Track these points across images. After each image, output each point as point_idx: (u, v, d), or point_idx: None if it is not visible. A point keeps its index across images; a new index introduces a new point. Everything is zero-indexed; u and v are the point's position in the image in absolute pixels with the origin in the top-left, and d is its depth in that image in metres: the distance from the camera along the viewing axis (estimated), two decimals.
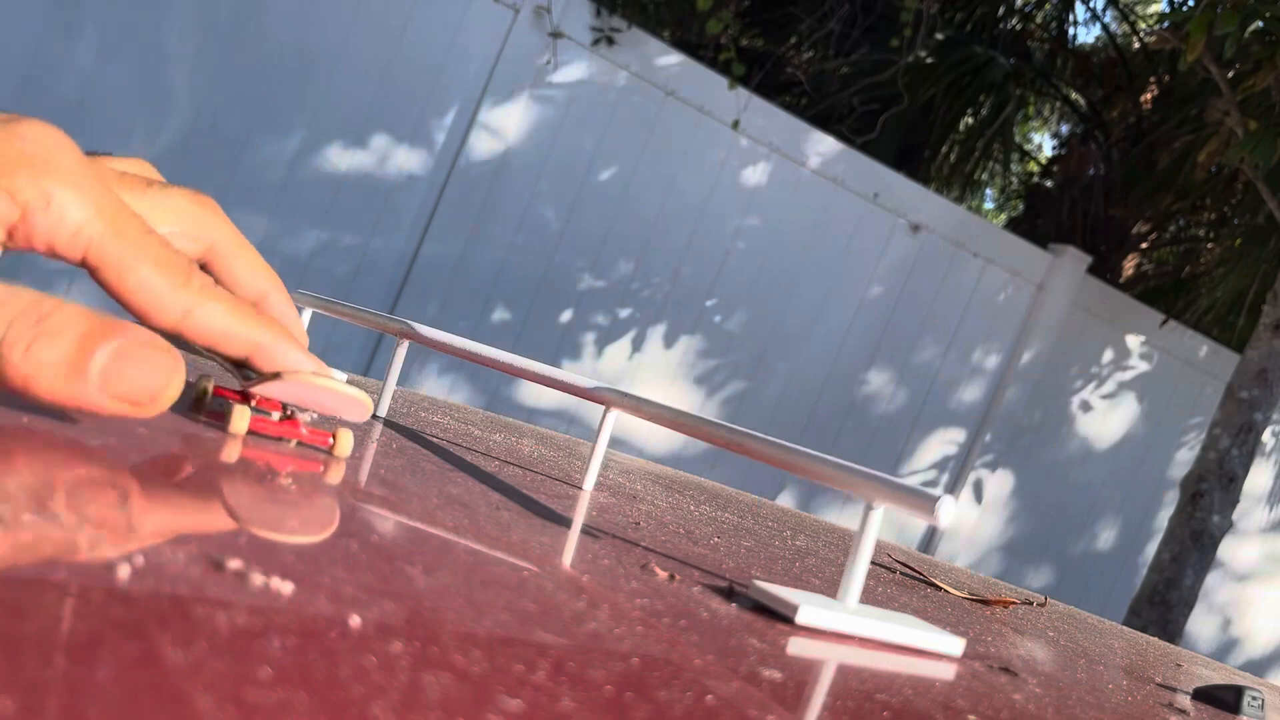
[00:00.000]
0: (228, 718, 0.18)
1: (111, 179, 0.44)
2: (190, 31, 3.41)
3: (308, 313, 0.86)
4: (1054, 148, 8.64)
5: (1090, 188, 6.37)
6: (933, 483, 4.86)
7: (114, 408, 0.35)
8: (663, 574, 0.43)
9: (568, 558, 0.43)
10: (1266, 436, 5.42)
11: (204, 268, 0.46)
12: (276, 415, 0.50)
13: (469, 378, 4.03)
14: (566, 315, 4.11)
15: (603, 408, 0.61)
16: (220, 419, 0.48)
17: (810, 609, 0.40)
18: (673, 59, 4.09)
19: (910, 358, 4.69)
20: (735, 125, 4.16)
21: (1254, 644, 5.81)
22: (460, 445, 0.68)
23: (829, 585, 0.56)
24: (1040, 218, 6.91)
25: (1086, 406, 5.10)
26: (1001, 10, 6.43)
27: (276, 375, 0.44)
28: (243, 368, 0.44)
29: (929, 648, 0.44)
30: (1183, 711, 0.54)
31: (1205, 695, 0.59)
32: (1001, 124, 6.39)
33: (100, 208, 0.38)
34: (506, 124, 3.85)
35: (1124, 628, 0.94)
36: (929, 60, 6.17)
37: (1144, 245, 6.80)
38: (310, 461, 0.47)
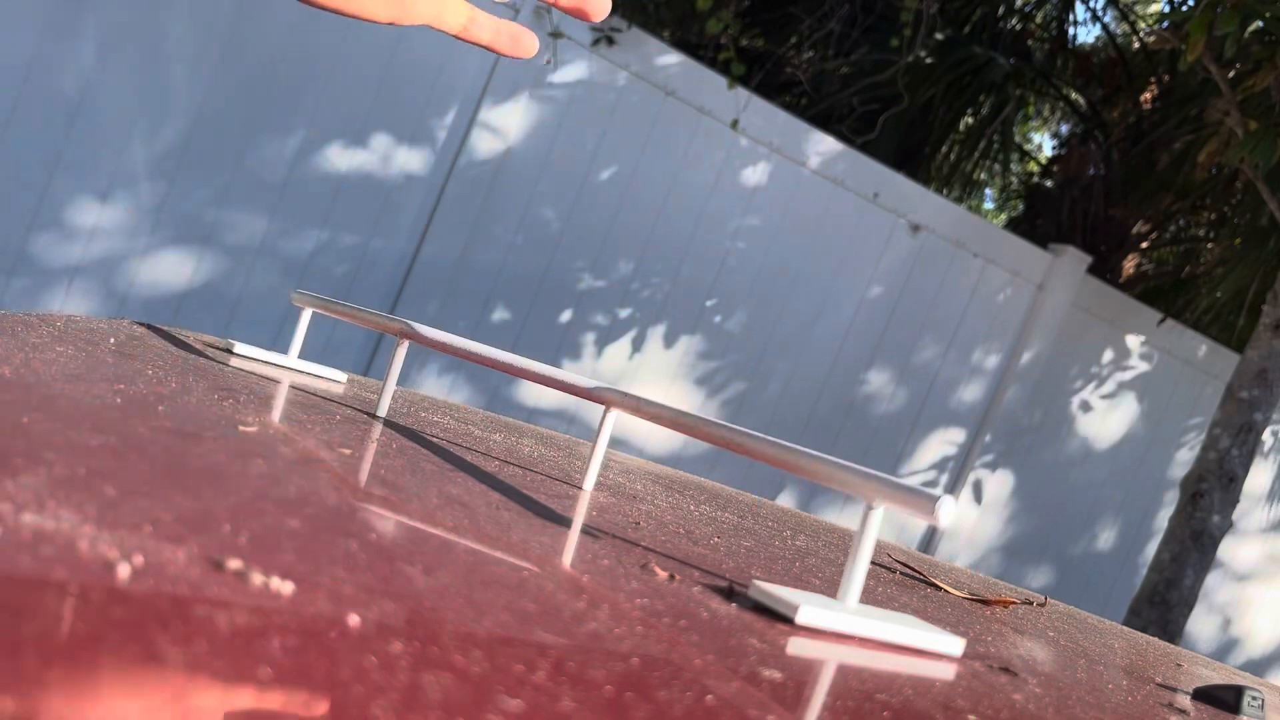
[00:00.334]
0: (228, 717, 0.18)
1: None
2: (190, 31, 3.41)
3: (308, 313, 0.86)
4: (1054, 148, 8.64)
5: (1090, 188, 6.37)
6: (933, 483, 4.86)
7: None
8: (663, 574, 0.43)
9: (568, 558, 0.43)
10: (1266, 436, 5.42)
11: None
12: None
13: (469, 378, 4.03)
14: (566, 315, 4.11)
15: (603, 408, 0.61)
16: None
17: (810, 609, 0.40)
18: (672, 59, 4.09)
19: (910, 358, 4.69)
20: (735, 125, 4.16)
21: (1254, 644, 5.81)
22: (460, 445, 0.68)
23: (829, 585, 0.56)
24: (1040, 218, 6.91)
25: (1086, 406, 5.10)
26: (1001, 10, 6.43)
27: None
28: None
29: (929, 648, 0.44)
30: (1183, 711, 0.54)
31: (1205, 695, 0.59)
32: (1001, 124, 6.39)
33: None
34: (506, 124, 3.85)
35: (1124, 628, 0.94)
36: (929, 60, 6.17)
37: (1144, 245, 6.80)
38: (315, 458, 0.47)
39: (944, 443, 4.84)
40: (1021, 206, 7.94)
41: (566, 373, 0.64)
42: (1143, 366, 5.18)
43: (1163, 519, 5.12)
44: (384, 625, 0.25)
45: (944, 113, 6.32)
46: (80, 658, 0.18)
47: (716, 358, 4.38)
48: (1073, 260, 4.84)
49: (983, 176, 7.29)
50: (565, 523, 0.50)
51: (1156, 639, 0.95)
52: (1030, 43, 6.67)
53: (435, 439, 0.67)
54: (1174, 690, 0.61)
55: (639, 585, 0.40)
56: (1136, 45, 6.79)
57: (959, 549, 5.00)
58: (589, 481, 0.64)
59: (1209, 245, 6.53)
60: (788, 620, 0.41)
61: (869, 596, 0.54)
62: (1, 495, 0.27)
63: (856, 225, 4.47)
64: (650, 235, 4.16)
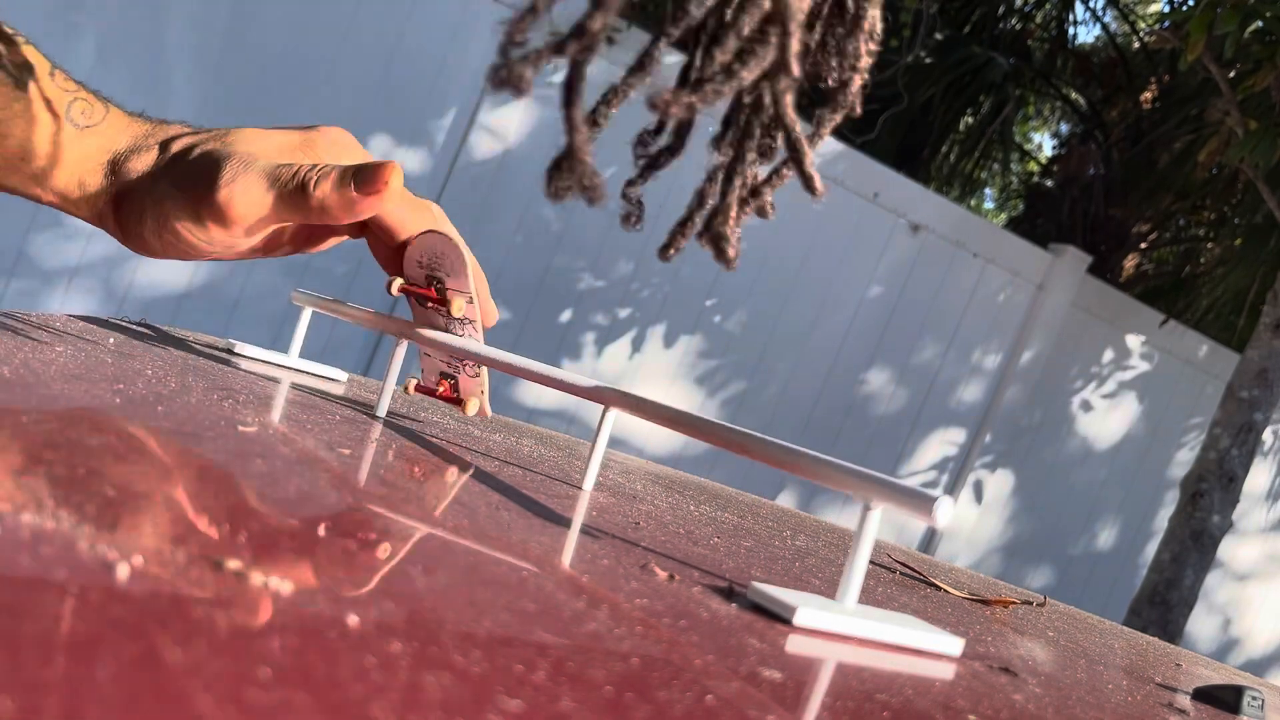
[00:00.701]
0: (228, 718, 0.18)
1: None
2: (190, 31, 3.41)
3: (308, 312, 0.86)
4: (1054, 148, 8.64)
5: (1090, 188, 6.37)
6: (933, 483, 4.86)
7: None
8: (663, 574, 0.43)
9: (568, 558, 0.43)
10: (1266, 436, 5.42)
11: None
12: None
13: None
14: (566, 315, 4.11)
15: (602, 407, 0.61)
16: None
17: (809, 610, 0.40)
18: (672, 59, 4.09)
19: (910, 358, 4.69)
20: None
21: (1254, 644, 5.81)
22: (460, 445, 0.68)
23: (828, 585, 0.56)
24: (1040, 218, 6.91)
25: (1086, 406, 5.10)
26: (1001, 10, 6.43)
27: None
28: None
29: (928, 648, 0.44)
30: (1183, 711, 0.54)
31: (1205, 695, 0.59)
32: (1001, 124, 6.39)
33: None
34: (506, 124, 3.85)
35: (1124, 628, 0.94)
36: (929, 60, 6.17)
37: (1144, 245, 6.80)
38: (315, 458, 0.47)
39: (944, 443, 4.84)
40: (1021, 206, 7.93)
41: (566, 372, 0.64)
42: (1143, 366, 5.18)
43: (1163, 519, 5.12)
44: (384, 625, 0.25)
45: (944, 113, 6.32)
46: (80, 658, 0.18)
47: (716, 358, 4.38)
48: (1073, 260, 4.84)
49: (983, 176, 7.29)
50: (565, 523, 0.51)
51: (1156, 639, 0.95)
52: (1030, 43, 6.67)
53: (435, 439, 0.67)
54: (1174, 690, 0.61)
55: (639, 585, 0.40)
56: (1136, 45, 6.79)
57: (959, 549, 5.00)
58: (589, 481, 0.64)
59: (1209, 245, 6.53)
60: (787, 621, 0.41)
61: (868, 597, 0.54)
62: (1, 495, 0.27)
63: (856, 225, 4.47)
64: (650, 235, 4.16)
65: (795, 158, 0.43)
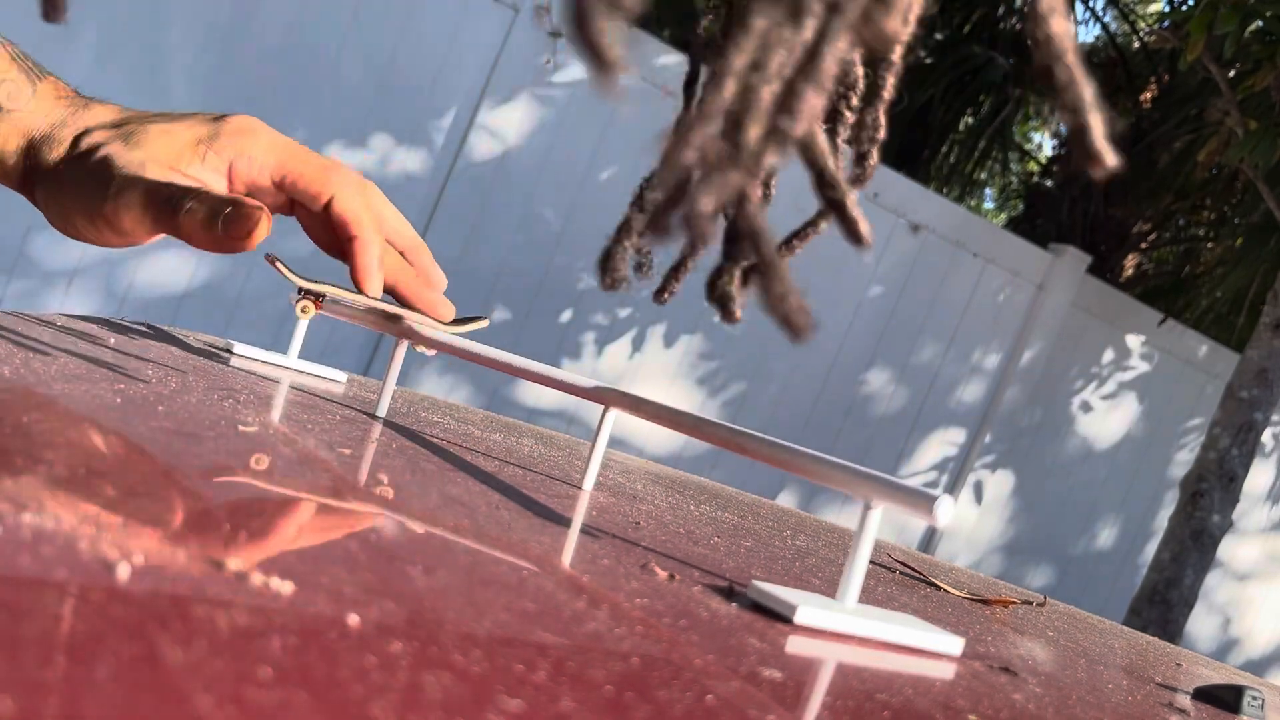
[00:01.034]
0: (228, 718, 0.18)
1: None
2: (190, 31, 3.41)
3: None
4: (1054, 148, 8.64)
5: (1090, 187, 6.37)
6: (933, 483, 4.86)
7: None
8: (663, 574, 0.43)
9: (568, 558, 0.43)
10: (1266, 436, 5.42)
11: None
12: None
13: (469, 378, 4.03)
14: (566, 315, 4.11)
15: (602, 407, 0.61)
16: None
17: (809, 609, 0.40)
18: (673, 59, 4.09)
19: (910, 358, 4.69)
20: None
21: (1254, 644, 5.81)
22: (460, 445, 0.68)
23: (829, 585, 0.56)
24: (1040, 217, 6.91)
25: (1086, 406, 5.10)
26: (1001, 10, 6.43)
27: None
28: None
29: (928, 647, 0.44)
30: (1183, 711, 0.54)
31: (1205, 695, 0.59)
32: (1001, 124, 6.39)
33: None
34: (506, 124, 3.85)
35: (1124, 628, 0.94)
36: (929, 60, 6.17)
37: (1144, 245, 6.80)
38: (315, 458, 0.47)
39: (944, 443, 4.84)
40: (1021, 206, 7.93)
41: (566, 373, 0.64)
42: (1143, 366, 5.18)
43: (1163, 519, 5.12)
44: (384, 625, 0.25)
45: (944, 113, 6.32)
46: (80, 658, 0.18)
47: (716, 358, 4.38)
48: (1073, 260, 4.84)
49: (983, 176, 7.29)
50: (565, 523, 0.51)
51: (1156, 639, 0.95)
52: (1030, 43, 6.66)
53: (435, 439, 0.67)
54: (1174, 690, 0.61)
55: (639, 585, 0.40)
56: (1136, 45, 6.79)
57: (959, 549, 5.00)
58: (589, 481, 0.64)
59: (1209, 245, 6.53)
60: (787, 620, 0.41)
61: (868, 596, 0.54)
62: (1, 495, 0.27)
63: None
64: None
65: (836, 211, 0.43)
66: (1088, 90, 0.35)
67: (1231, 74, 4.21)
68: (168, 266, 3.49)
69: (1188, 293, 6.18)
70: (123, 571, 0.23)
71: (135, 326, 0.86)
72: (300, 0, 3.51)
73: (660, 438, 4.23)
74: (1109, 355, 5.11)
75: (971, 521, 4.98)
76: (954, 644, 0.45)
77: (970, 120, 6.60)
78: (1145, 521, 5.36)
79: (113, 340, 0.72)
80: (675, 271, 0.48)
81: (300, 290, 0.73)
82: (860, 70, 0.44)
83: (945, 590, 0.71)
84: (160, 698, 0.18)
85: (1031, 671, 0.50)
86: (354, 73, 3.62)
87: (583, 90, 3.91)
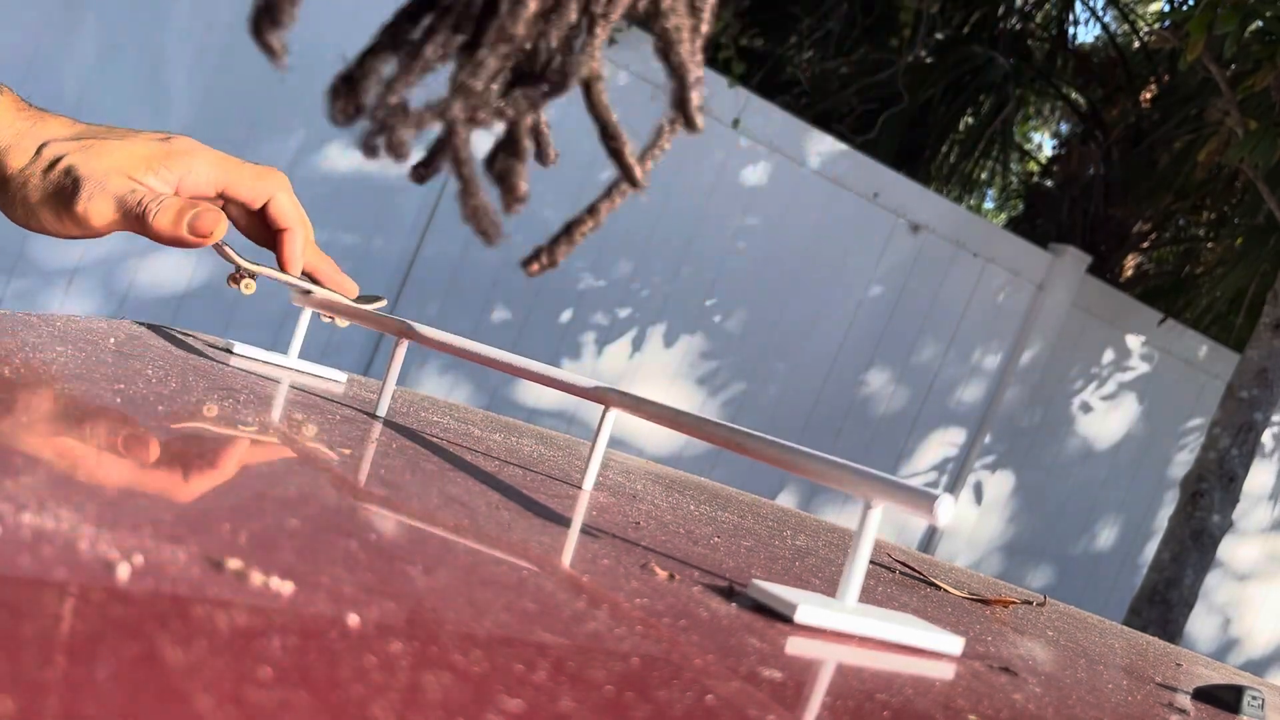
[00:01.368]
0: (228, 718, 0.18)
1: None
2: (190, 31, 3.41)
3: (307, 313, 0.86)
4: (1054, 148, 8.63)
5: (1090, 187, 6.37)
6: (933, 483, 4.86)
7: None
8: (663, 574, 0.43)
9: (568, 558, 0.43)
10: (1266, 436, 5.42)
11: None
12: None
13: (469, 378, 4.03)
14: (566, 315, 4.11)
15: (602, 407, 0.61)
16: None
17: (809, 608, 0.40)
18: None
19: (910, 358, 4.69)
20: (735, 125, 4.16)
21: (1254, 644, 5.80)
22: (460, 445, 0.68)
23: (829, 585, 0.56)
24: (1040, 217, 6.91)
25: (1086, 406, 5.10)
26: (1001, 10, 6.42)
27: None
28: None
29: (928, 647, 0.44)
30: (1183, 711, 0.54)
31: (1205, 695, 0.59)
32: (1001, 124, 6.39)
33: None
34: None
35: (1124, 628, 0.94)
36: (929, 60, 6.17)
37: (1144, 245, 6.80)
38: (315, 458, 0.47)
39: (944, 443, 4.84)
40: (1021, 206, 7.93)
41: (566, 373, 0.64)
42: (1143, 366, 5.18)
43: (1163, 519, 5.12)
44: (384, 625, 0.25)
45: (944, 113, 6.31)
46: (80, 658, 0.18)
47: (716, 358, 4.38)
48: (1073, 260, 4.84)
49: (983, 176, 7.29)
50: (565, 522, 0.51)
51: (1156, 639, 0.95)
52: (1030, 43, 6.67)
53: (435, 439, 0.67)
54: (1174, 690, 0.61)
55: (639, 585, 0.40)
56: (1136, 45, 6.79)
57: (959, 549, 5.00)
58: (589, 481, 0.64)
59: (1209, 245, 6.53)
60: (787, 620, 0.41)
61: (868, 596, 0.54)
62: (1, 495, 0.27)
63: (856, 225, 4.47)
64: (650, 235, 4.16)
65: (615, 159, 0.48)
66: (694, 69, 0.39)
67: (1231, 74, 4.21)
68: (168, 267, 3.49)
69: (1188, 293, 6.18)
70: (123, 571, 0.23)
71: (135, 326, 0.86)
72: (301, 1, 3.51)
73: (660, 438, 4.23)
74: (1109, 355, 5.11)
75: (971, 521, 4.98)
76: (954, 644, 0.45)
77: (970, 120, 6.60)
78: (1145, 521, 5.36)
79: (113, 340, 0.72)
80: (436, 152, 0.53)
81: (238, 269, 0.84)
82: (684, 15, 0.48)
83: (945, 590, 0.71)
84: (160, 698, 0.18)
85: (1031, 671, 0.50)
86: None
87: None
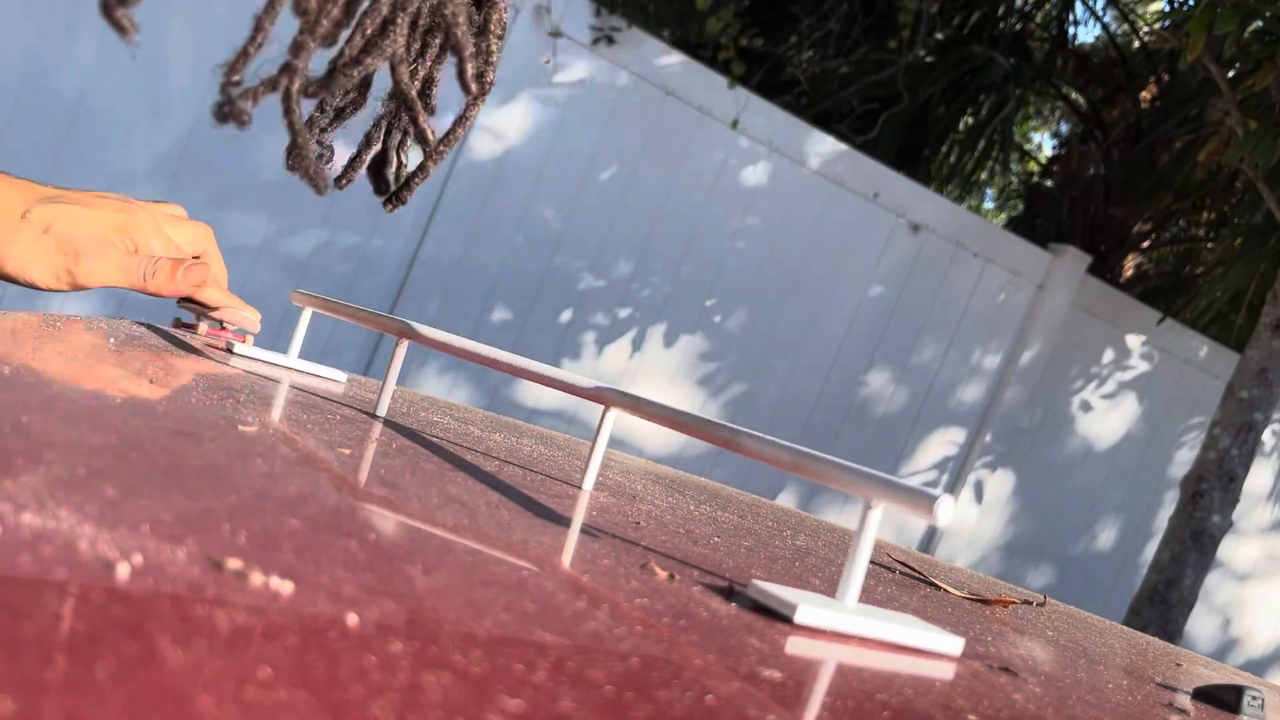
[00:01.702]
0: (228, 718, 0.18)
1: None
2: (190, 31, 3.41)
3: (308, 313, 0.86)
4: (1054, 148, 8.64)
5: (1090, 187, 6.37)
6: (933, 483, 4.86)
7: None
8: (663, 574, 0.43)
9: (568, 558, 0.43)
10: (1266, 436, 5.42)
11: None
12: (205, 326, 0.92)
13: (469, 378, 4.03)
14: (566, 315, 4.11)
15: (602, 408, 0.61)
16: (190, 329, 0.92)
17: (809, 608, 0.40)
18: (672, 58, 4.09)
19: (910, 358, 4.69)
20: (735, 125, 4.16)
21: (1254, 644, 5.81)
22: (460, 445, 0.68)
23: (829, 585, 0.56)
24: (1040, 217, 6.91)
25: (1086, 406, 5.10)
26: (1001, 10, 6.43)
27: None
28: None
29: (928, 647, 0.44)
30: (1183, 711, 0.54)
31: (1205, 695, 0.59)
32: (1001, 124, 6.39)
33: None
34: (506, 124, 3.85)
35: (1124, 628, 0.94)
36: (929, 60, 6.17)
37: (1144, 245, 6.80)
38: (315, 458, 0.47)
39: (944, 443, 4.84)
40: (1021, 206, 7.93)
41: (566, 373, 0.64)
42: (1143, 366, 5.18)
43: (1163, 519, 5.12)
44: (384, 625, 0.25)
45: (944, 113, 6.32)
46: (80, 658, 0.18)
47: (716, 358, 4.38)
48: (1073, 260, 4.84)
49: (983, 176, 7.29)
50: (565, 523, 0.51)
51: (1156, 639, 0.95)
52: (1030, 43, 6.67)
53: (435, 439, 0.67)
54: (1174, 690, 0.61)
55: (639, 585, 0.40)
56: (1136, 45, 6.79)
57: (959, 549, 5.00)
58: (589, 481, 0.64)
59: (1209, 245, 6.53)
60: (787, 620, 0.41)
61: (868, 596, 0.54)
62: (1, 495, 0.27)
63: (856, 225, 4.47)
64: (650, 235, 4.16)
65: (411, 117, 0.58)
66: (468, 45, 0.47)
67: (1231, 74, 4.21)
68: None
69: (1187, 293, 6.18)
70: (123, 571, 0.23)
71: (135, 327, 0.86)
72: None
73: (660, 438, 4.23)
74: (1109, 355, 5.11)
75: (971, 521, 4.98)
76: (954, 644, 0.45)
77: (970, 120, 6.60)
78: (1145, 521, 5.36)
79: (113, 340, 0.72)
80: (352, 163, 0.66)
81: (198, 318, 0.93)
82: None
83: (945, 590, 0.71)
84: (160, 698, 0.18)
85: (1031, 671, 0.50)
86: None
87: (583, 90, 3.91)
